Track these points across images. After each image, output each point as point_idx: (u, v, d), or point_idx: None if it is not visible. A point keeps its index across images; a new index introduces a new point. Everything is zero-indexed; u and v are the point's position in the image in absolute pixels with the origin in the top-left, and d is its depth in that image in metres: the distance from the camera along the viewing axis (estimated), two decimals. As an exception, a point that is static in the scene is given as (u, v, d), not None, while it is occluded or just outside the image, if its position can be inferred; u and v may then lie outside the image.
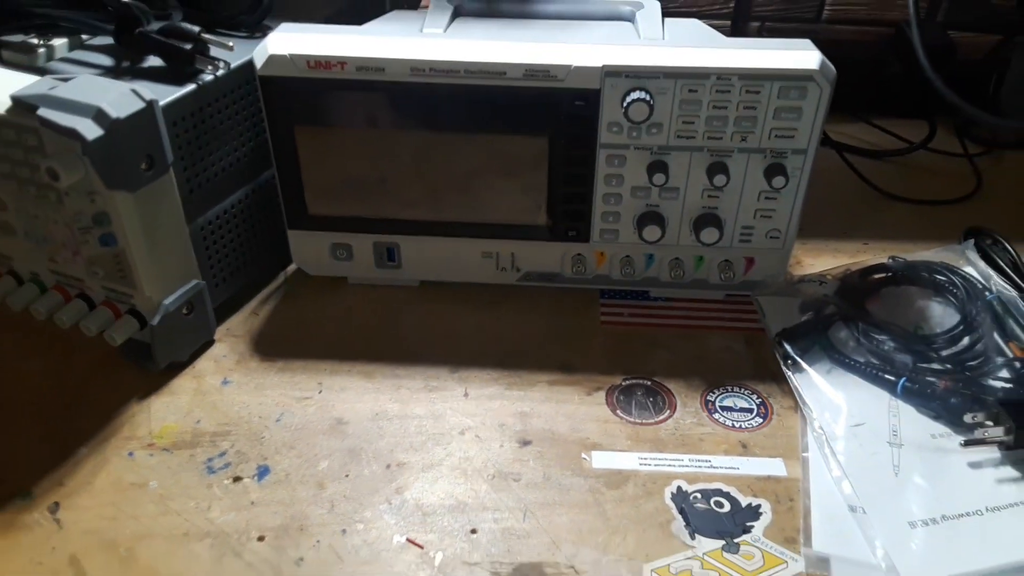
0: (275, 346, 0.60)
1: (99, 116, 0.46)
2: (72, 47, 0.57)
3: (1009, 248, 0.63)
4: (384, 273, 0.64)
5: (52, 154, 0.48)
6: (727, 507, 0.48)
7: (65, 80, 0.48)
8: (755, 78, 0.53)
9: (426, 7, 0.63)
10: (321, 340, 0.60)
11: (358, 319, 0.63)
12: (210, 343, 0.59)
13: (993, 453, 0.49)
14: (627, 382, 0.57)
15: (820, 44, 0.55)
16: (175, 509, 0.48)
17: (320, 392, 0.56)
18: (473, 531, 0.47)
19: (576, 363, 0.59)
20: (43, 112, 0.46)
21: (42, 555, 0.45)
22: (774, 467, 0.51)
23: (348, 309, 0.64)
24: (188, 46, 0.52)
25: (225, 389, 0.56)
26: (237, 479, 0.50)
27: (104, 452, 0.51)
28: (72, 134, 0.45)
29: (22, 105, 0.48)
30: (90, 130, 0.45)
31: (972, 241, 0.64)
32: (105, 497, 0.48)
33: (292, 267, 0.67)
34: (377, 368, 0.58)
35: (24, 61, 0.55)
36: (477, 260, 0.63)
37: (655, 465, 0.51)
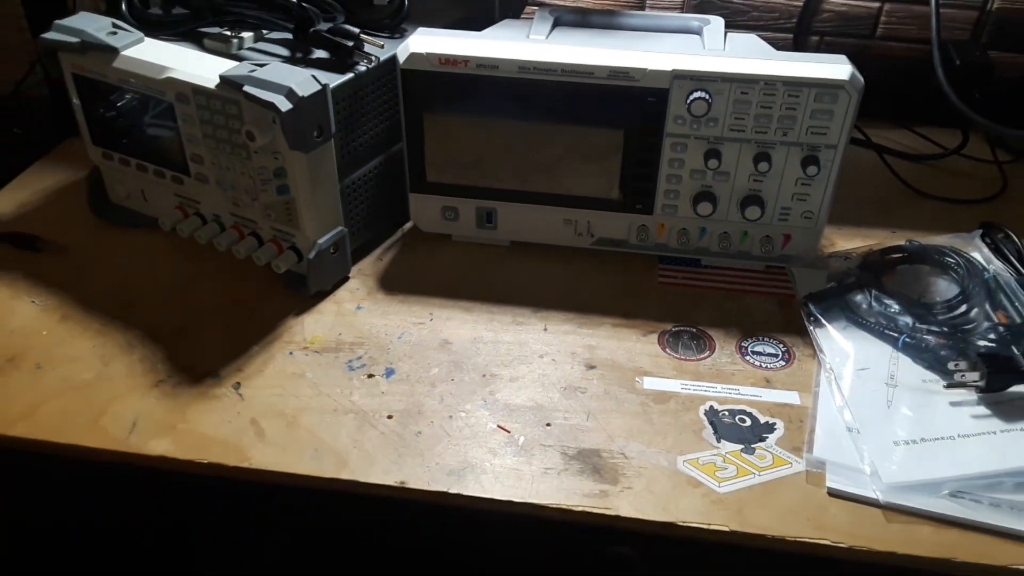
0: (396, 283, 0.75)
1: (290, 94, 0.61)
2: (256, 39, 0.73)
3: (1016, 240, 0.73)
4: (482, 233, 0.79)
5: (249, 120, 0.64)
6: (748, 422, 0.61)
7: (261, 65, 0.64)
8: (796, 85, 0.66)
9: (530, 17, 0.77)
10: (431, 282, 0.75)
11: (461, 268, 0.77)
12: (346, 279, 0.75)
13: (971, 396, 0.61)
14: (676, 328, 0.70)
15: (872, 58, 0.66)
16: (326, 392, 0.63)
17: (431, 320, 0.71)
18: (548, 424, 0.61)
19: (636, 312, 0.72)
20: (248, 88, 0.62)
21: (231, 416, 0.61)
22: (790, 398, 0.64)
23: (453, 260, 0.78)
24: (350, 43, 0.68)
25: (359, 313, 0.71)
26: (371, 376, 0.65)
27: (271, 351, 0.67)
28: (270, 106, 0.61)
29: (228, 83, 0.64)
30: (283, 104, 0.61)
31: (981, 231, 0.75)
32: (274, 381, 0.64)
33: (408, 224, 0.82)
34: (475, 305, 0.73)
35: (221, 48, 0.71)
36: (559, 226, 0.77)
37: (694, 390, 0.64)
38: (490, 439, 0.60)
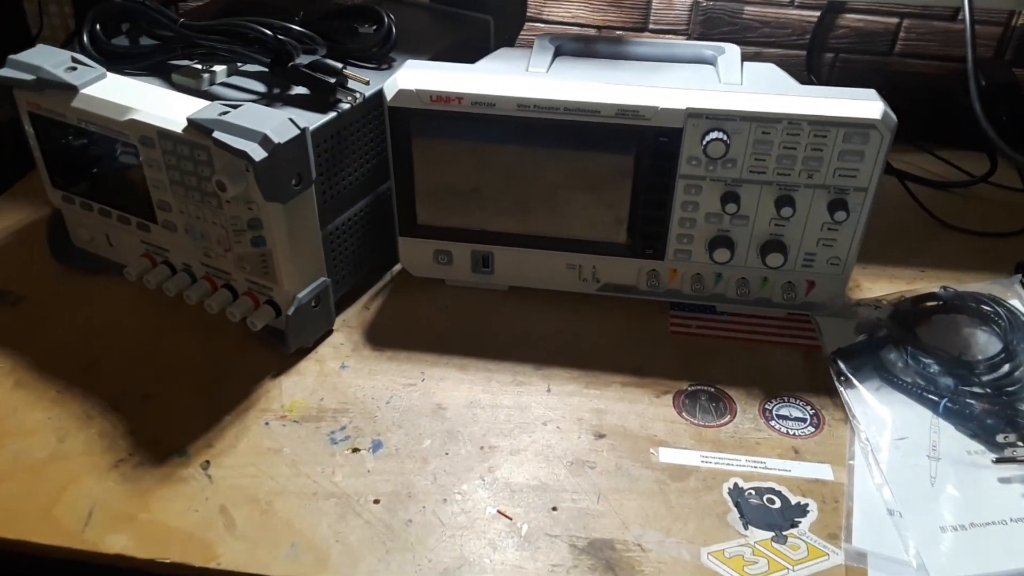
0: (384, 337, 0.69)
1: (264, 141, 0.55)
2: (230, 73, 0.67)
3: (1058, 284, 0.68)
4: (478, 277, 0.72)
5: (220, 168, 0.58)
6: (778, 503, 0.55)
7: (233, 106, 0.58)
8: (823, 124, 0.60)
9: (528, 45, 0.70)
10: (423, 334, 0.69)
11: (454, 317, 0.71)
12: (330, 332, 0.69)
13: (1021, 470, 0.55)
14: (692, 388, 0.64)
15: (890, 76, 0.60)
16: (305, 472, 0.57)
17: (423, 380, 0.65)
18: (554, 508, 0.55)
19: (647, 367, 0.66)
20: (217, 135, 0.56)
21: (198, 504, 0.55)
22: (823, 471, 0.57)
23: (445, 308, 0.72)
24: (332, 80, 0.61)
25: (343, 373, 0.65)
26: (355, 450, 0.59)
27: (245, 421, 0.61)
28: (243, 155, 0.54)
29: (197, 127, 0.57)
30: (257, 152, 0.55)
31: (1020, 275, 0.69)
32: (247, 458, 0.58)
33: (396, 268, 0.76)
34: (471, 362, 0.67)
35: (191, 84, 0.65)
36: (562, 271, 0.70)
37: (715, 463, 0.58)
38: (489, 528, 0.54)
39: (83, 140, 0.65)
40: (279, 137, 0.55)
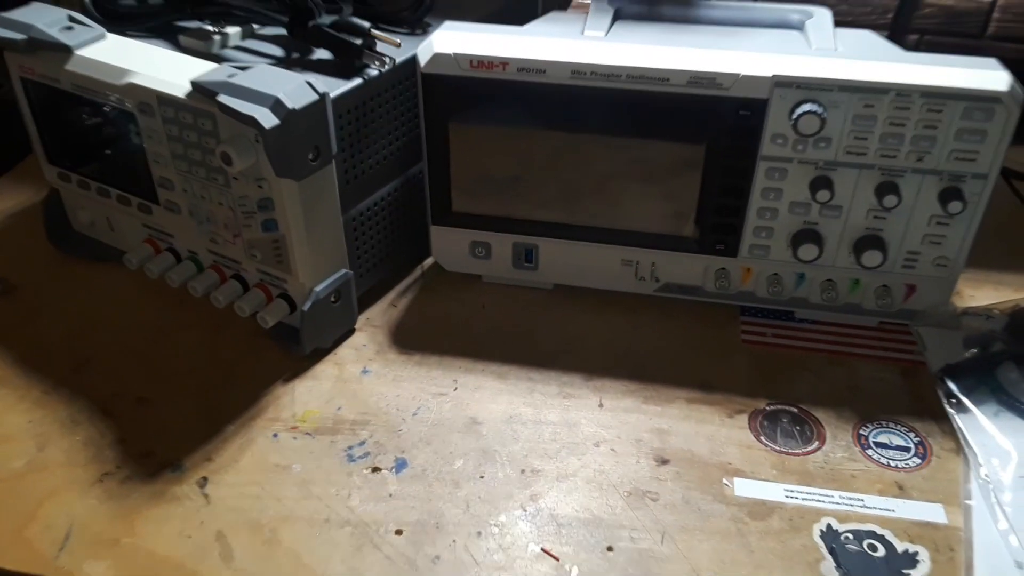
0: (412, 339, 0.60)
1: (276, 106, 0.47)
2: (244, 36, 0.59)
3: None
4: (520, 274, 0.64)
5: (226, 139, 0.50)
6: (881, 551, 0.45)
7: (243, 69, 0.50)
8: (938, 96, 0.50)
9: (577, 8, 0.62)
10: (456, 336, 0.60)
11: (492, 318, 0.62)
12: (351, 332, 0.60)
13: None
14: (771, 407, 0.54)
15: None
16: (317, 494, 0.49)
17: (455, 390, 0.56)
18: (609, 548, 0.46)
19: (715, 382, 0.57)
20: (223, 98, 0.48)
21: (191, 528, 0.47)
22: (933, 513, 0.48)
23: (482, 307, 0.63)
24: (358, 41, 0.53)
25: (364, 379, 0.57)
26: (376, 469, 0.50)
27: (250, 431, 0.53)
28: (251, 122, 0.46)
29: (202, 90, 0.49)
30: (267, 119, 0.46)
31: None
32: (250, 476, 0.50)
33: (428, 261, 0.67)
34: (510, 370, 0.58)
35: (200, 47, 0.57)
36: (616, 267, 0.61)
37: (803, 499, 0.48)
38: (532, 570, 0.45)
39: (79, 110, 0.58)
40: (294, 102, 0.47)
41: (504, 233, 0.62)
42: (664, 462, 0.51)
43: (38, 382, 0.56)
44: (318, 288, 0.55)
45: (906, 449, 0.51)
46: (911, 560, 0.45)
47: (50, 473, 0.50)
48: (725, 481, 0.50)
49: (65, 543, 0.46)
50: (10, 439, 0.52)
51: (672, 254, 0.60)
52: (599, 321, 0.62)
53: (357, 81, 0.53)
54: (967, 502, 0.48)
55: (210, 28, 0.58)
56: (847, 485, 0.49)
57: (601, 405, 0.55)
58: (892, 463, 0.50)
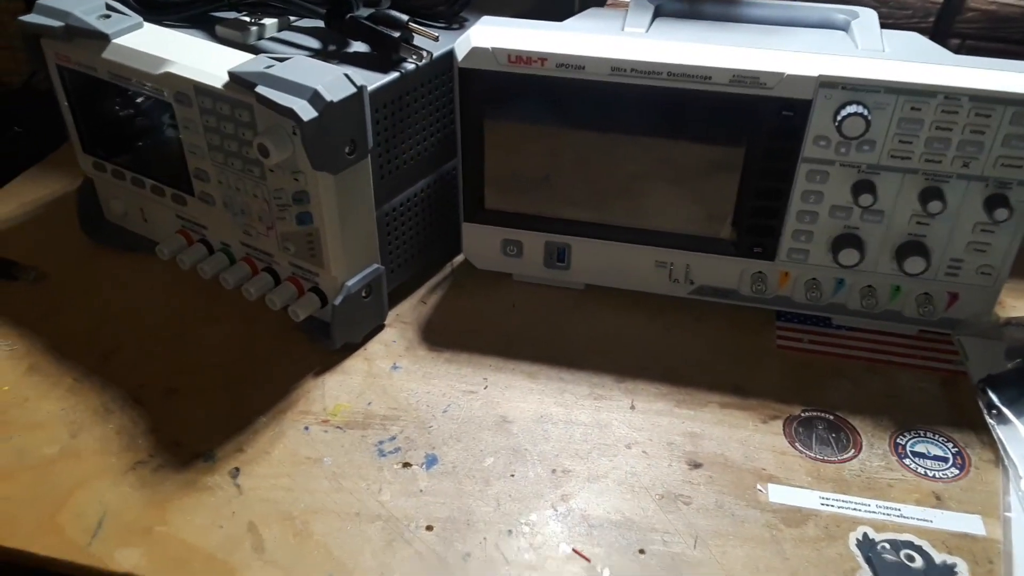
0: (442, 336, 0.60)
1: (315, 98, 0.47)
2: (281, 27, 0.59)
3: None
4: (551, 273, 0.63)
5: (263, 131, 0.49)
6: (919, 562, 0.45)
7: (281, 60, 0.50)
8: (988, 100, 0.49)
9: (615, 5, 0.61)
10: (486, 334, 0.60)
11: (523, 317, 0.62)
12: (381, 327, 0.60)
13: None
14: (807, 413, 0.54)
15: None
16: (348, 488, 0.48)
17: (485, 388, 0.56)
18: (641, 551, 0.45)
19: (750, 387, 0.56)
20: (261, 89, 0.48)
21: (223, 518, 0.47)
22: (972, 524, 0.47)
23: (513, 306, 0.63)
24: (396, 34, 0.53)
25: (395, 374, 0.57)
26: (407, 465, 0.50)
27: (281, 424, 0.53)
28: (289, 113, 0.46)
29: (239, 81, 0.49)
30: (305, 111, 0.46)
31: None
32: (282, 468, 0.50)
33: (459, 258, 0.67)
34: (541, 369, 0.57)
35: (236, 38, 0.57)
36: (649, 269, 0.61)
37: (839, 507, 0.48)
38: (563, 570, 0.44)
39: (115, 99, 0.58)
40: (332, 95, 0.47)
41: (536, 232, 0.61)
42: (697, 466, 0.50)
43: (69, 370, 0.56)
44: (350, 283, 0.55)
45: (944, 459, 0.50)
46: (949, 572, 0.44)
47: (83, 460, 0.50)
48: (759, 487, 0.49)
49: (97, 530, 0.46)
50: (43, 426, 0.52)
51: (707, 256, 0.59)
52: (631, 323, 0.61)
53: (394, 75, 0.53)
54: (1006, 514, 0.47)
55: (247, 19, 0.58)
56: (884, 494, 0.48)
57: (633, 407, 0.54)
58: (930, 473, 0.49)
